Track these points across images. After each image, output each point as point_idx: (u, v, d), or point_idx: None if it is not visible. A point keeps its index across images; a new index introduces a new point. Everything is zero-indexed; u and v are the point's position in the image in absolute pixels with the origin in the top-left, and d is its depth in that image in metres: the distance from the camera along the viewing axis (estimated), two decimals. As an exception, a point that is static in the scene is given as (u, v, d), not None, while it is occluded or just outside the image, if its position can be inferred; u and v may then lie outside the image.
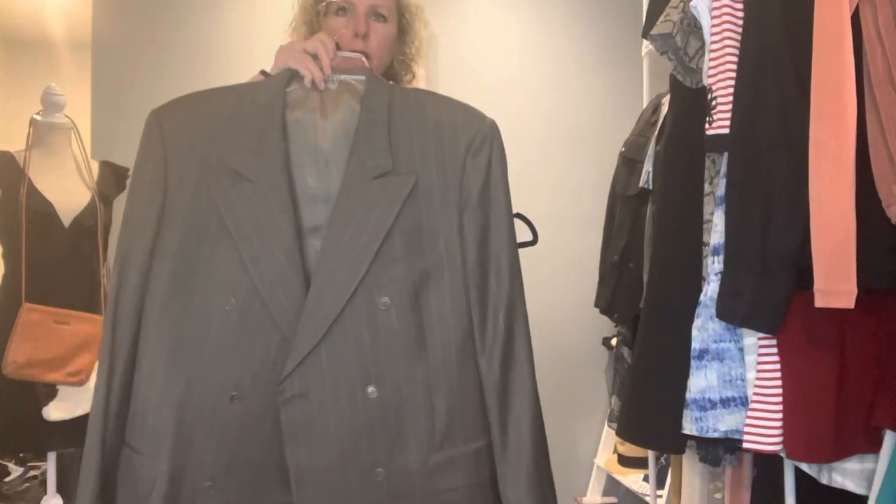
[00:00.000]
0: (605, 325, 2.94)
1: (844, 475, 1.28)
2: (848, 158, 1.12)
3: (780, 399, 1.24)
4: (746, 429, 1.26)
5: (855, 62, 1.14)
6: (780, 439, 1.24)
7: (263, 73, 1.21)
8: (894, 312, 1.22)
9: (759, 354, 1.27)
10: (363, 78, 1.14)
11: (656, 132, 2.18)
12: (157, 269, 1.06)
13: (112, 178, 2.41)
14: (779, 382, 1.25)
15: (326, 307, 1.00)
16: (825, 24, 1.16)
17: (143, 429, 1.05)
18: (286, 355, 1.00)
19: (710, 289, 1.32)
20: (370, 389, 1.01)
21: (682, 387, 1.36)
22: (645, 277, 2.08)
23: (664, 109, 2.14)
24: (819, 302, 1.12)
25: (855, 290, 1.10)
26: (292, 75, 1.13)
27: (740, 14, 1.31)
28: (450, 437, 1.05)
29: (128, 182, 2.38)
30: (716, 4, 1.32)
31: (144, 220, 1.08)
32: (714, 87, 1.30)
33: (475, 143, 1.10)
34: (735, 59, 1.29)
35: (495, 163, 1.11)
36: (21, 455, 3.01)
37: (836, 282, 1.11)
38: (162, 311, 1.04)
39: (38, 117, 2.31)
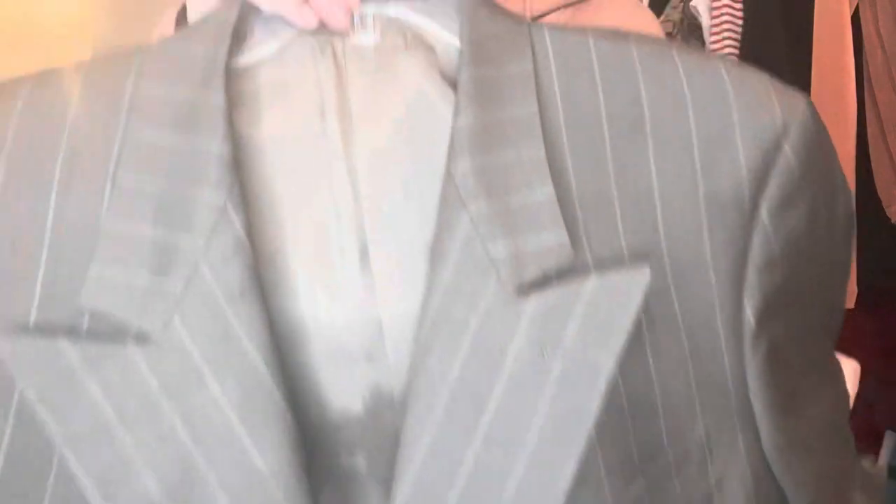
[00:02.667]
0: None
1: (844, 475, 1.28)
2: (848, 158, 1.12)
3: (780, 399, 1.24)
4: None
5: (855, 62, 1.14)
6: (780, 439, 1.24)
7: (180, 18, 0.56)
8: (894, 312, 1.22)
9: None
10: (450, 10, 0.35)
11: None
12: None
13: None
14: (779, 382, 1.25)
15: None
16: (825, 24, 1.16)
17: None
18: None
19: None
20: None
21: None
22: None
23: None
24: (819, 302, 1.12)
25: (855, 290, 1.10)
26: (241, 18, 0.35)
27: (740, 14, 1.31)
28: None
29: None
30: (716, 4, 1.32)
31: None
32: (714, 87, 1.31)
33: (780, 168, 0.33)
34: (735, 59, 1.29)
35: (834, 218, 0.37)
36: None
37: (836, 282, 1.11)
38: None
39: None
